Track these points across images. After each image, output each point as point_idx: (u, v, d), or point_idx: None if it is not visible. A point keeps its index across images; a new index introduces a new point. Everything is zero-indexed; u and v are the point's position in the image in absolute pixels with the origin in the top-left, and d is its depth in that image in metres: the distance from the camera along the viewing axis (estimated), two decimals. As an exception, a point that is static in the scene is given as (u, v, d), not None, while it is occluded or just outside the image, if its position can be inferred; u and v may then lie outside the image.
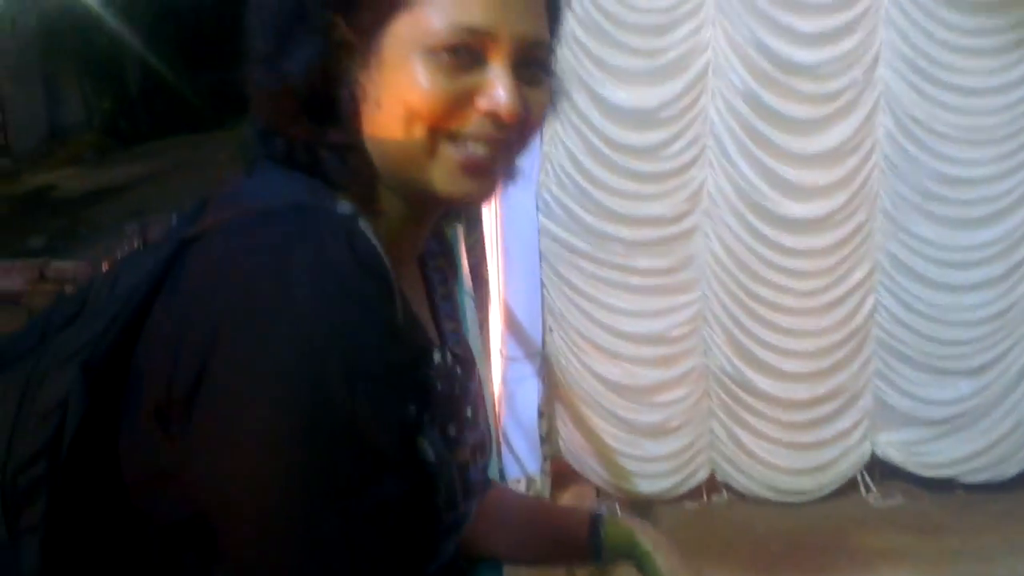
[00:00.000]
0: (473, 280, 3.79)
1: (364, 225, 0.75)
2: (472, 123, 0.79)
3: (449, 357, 0.89)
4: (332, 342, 0.67)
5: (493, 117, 0.79)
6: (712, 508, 4.90)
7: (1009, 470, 4.97)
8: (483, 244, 4.36)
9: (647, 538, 1.10)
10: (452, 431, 0.85)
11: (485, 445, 0.95)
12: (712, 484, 4.95)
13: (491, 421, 1.07)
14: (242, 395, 0.67)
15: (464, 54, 0.77)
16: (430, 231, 0.95)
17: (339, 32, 0.77)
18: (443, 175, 0.81)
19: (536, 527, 1.17)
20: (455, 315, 1.03)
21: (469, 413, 0.91)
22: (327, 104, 0.79)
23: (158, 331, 0.73)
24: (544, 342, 4.61)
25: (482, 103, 0.79)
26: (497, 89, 0.78)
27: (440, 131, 0.79)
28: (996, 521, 4.69)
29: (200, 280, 0.72)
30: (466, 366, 0.96)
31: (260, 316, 0.68)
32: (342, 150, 0.80)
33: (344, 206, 0.77)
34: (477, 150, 0.81)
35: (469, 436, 0.89)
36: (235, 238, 0.73)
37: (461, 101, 0.78)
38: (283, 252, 0.69)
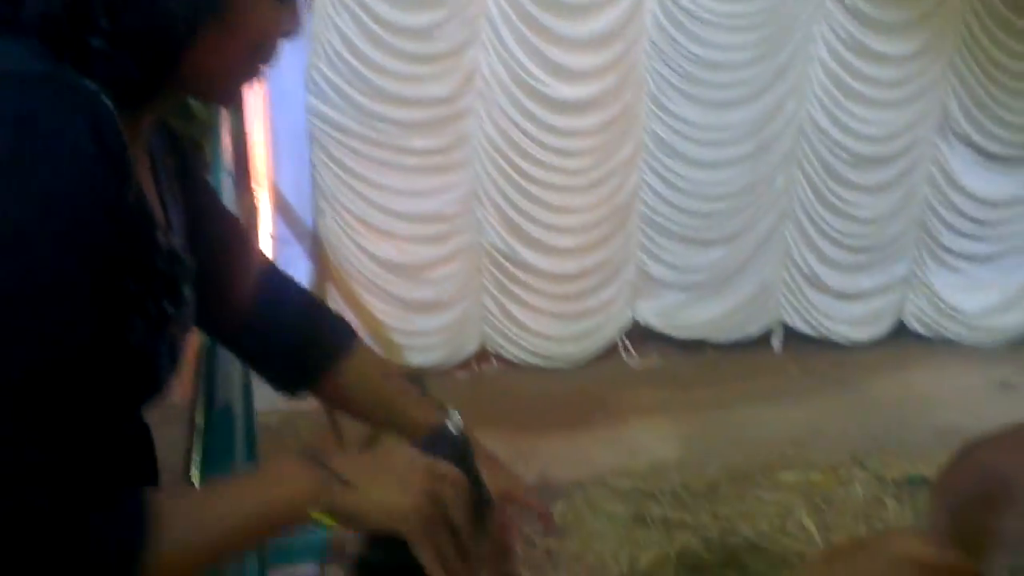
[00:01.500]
0: (237, 161, 3.84)
1: (108, 105, 0.81)
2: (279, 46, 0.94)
3: (174, 240, 0.97)
4: (55, 214, 0.74)
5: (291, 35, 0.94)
6: (482, 377, 5.33)
7: (752, 331, 5.64)
8: (247, 126, 4.38)
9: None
10: (169, 307, 0.93)
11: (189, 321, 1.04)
12: (483, 355, 5.36)
13: None
14: None
15: None
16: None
17: None
18: (243, 86, 0.95)
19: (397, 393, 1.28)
20: (183, 208, 1.11)
21: (187, 291, 0.98)
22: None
23: None
24: (315, 223, 4.75)
25: (289, 25, 0.93)
26: (302, 11, 0.94)
27: (269, 55, 0.92)
28: (736, 376, 5.38)
29: None
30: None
31: None
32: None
33: (91, 84, 0.81)
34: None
35: (183, 313, 0.98)
36: None
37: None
38: (26, 122, 0.74)
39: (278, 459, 0.91)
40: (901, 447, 4.03)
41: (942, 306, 5.84)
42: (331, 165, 4.70)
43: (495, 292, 5.18)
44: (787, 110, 5.19)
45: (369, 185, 4.76)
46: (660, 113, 5.12)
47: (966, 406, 4.66)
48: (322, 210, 4.75)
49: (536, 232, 5.12)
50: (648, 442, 4.32)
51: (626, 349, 5.57)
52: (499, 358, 5.37)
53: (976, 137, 5.53)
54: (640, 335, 5.63)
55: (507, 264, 5.11)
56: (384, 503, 0.88)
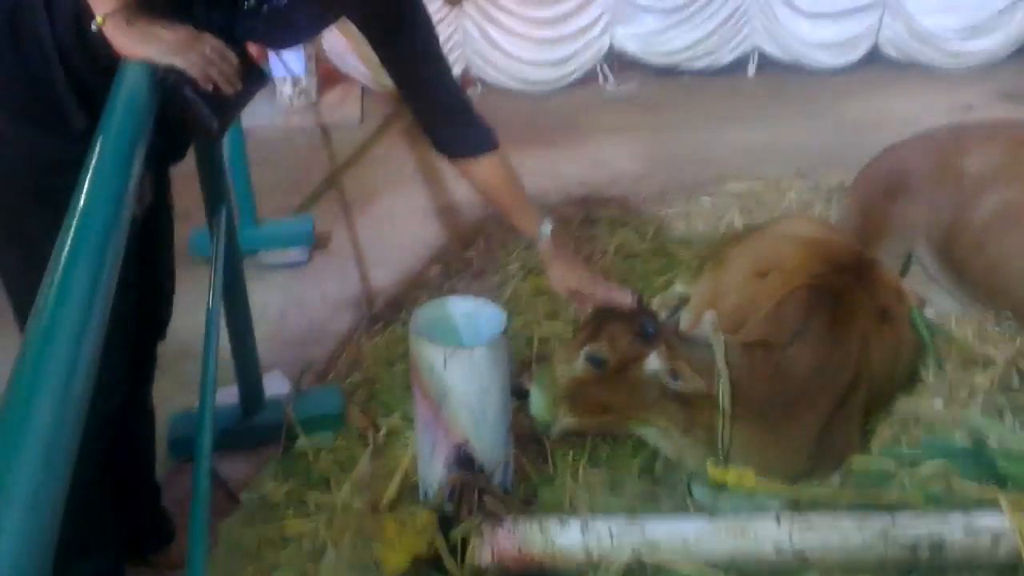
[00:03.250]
0: None
1: None
2: None
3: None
4: None
5: None
6: (465, 99, 5.53)
7: (724, 58, 5.77)
8: None
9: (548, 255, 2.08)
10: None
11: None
12: (466, 79, 5.54)
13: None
14: None
15: None
16: None
17: None
18: None
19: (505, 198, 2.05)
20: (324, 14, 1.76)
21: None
22: None
23: None
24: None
25: None
26: None
27: None
28: (708, 100, 5.57)
29: None
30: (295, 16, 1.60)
31: None
32: None
33: None
34: None
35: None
36: None
37: None
38: None
39: None
40: (848, 161, 4.27)
41: (918, 29, 5.90)
42: None
43: (476, 16, 5.29)
44: None
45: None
46: None
47: (924, 126, 4.84)
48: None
49: (513, -45, 5.16)
50: (611, 157, 4.61)
51: (604, 75, 5.74)
52: (482, 81, 5.57)
53: None
54: (619, 62, 5.77)
55: (485, -12, 5.20)
56: (134, 44, 1.33)
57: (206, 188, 2.22)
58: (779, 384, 2.15)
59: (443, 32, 5.17)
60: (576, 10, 5.44)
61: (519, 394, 2.09)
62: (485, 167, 2.01)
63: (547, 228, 2.07)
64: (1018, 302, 2.70)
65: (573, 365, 2.04)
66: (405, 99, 1.98)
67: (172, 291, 2.01)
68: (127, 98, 1.21)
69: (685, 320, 2.46)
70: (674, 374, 1.99)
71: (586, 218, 3.74)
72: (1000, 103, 5.47)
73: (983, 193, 2.86)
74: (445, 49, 5.13)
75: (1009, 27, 5.97)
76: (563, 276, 2.08)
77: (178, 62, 1.35)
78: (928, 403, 2.46)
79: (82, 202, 0.96)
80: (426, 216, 3.96)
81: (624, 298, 2.05)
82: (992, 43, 5.98)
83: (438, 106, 1.96)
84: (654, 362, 2.01)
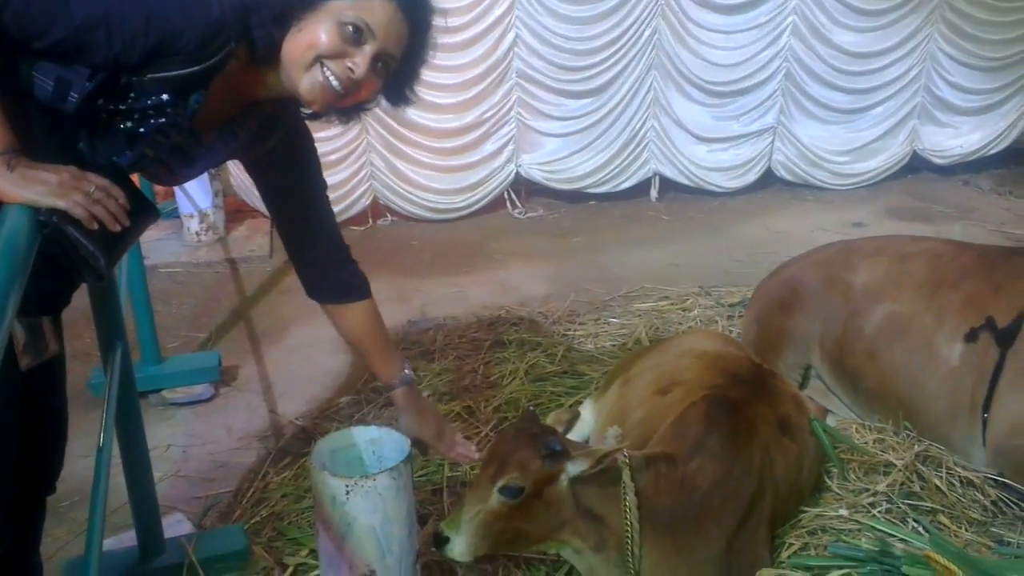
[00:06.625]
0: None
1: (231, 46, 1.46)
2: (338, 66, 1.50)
3: (178, 120, 1.51)
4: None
5: (350, 70, 1.49)
6: (376, 230, 5.63)
7: (627, 182, 6.01)
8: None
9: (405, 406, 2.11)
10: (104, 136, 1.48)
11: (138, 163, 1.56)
12: (376, 209, 5.64)
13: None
14: None
15: (355, 32, 1.48)
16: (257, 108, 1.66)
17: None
18: (307, 83, 1.51)
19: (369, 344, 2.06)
20: (223, 149, 1.69)
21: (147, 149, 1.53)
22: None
23: None
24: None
25: (349, 60, 1.49)
26: (358, 58, 1.49)
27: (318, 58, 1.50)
28: (613, 223, 5.78)
29: None
30: (189, 145, 1.61)
31: None
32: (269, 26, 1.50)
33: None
34: (331, 81, 1.50)
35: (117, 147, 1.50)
36: None
37: (339, 53, 1.49)
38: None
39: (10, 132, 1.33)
40: (747, 278, 4.45)
41: (807, 153, 6.26)
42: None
43: (382, 150, 5.42)
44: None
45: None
46: (531, -31, 5.31)
47: (817, 243, 5.07)
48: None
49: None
50: (521, 281, 4.70)
51: (511, 202, 5.91)
52: (391, 211, 5.67)
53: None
54: (526, 188, 5.96)
55: (390, 122, 5.34)
56: (15, 188, 1.31)
57: (100, 326, 2.19)
58: (684, 497, 2.17)
59: (351, 165, 5.31)
60: (480, 139, 5.62)
61: (438, 542, 2.04)
62: (354, 314, 2.02)
63: (407, 376, 2.09)
64: (910, 407, 2.82)
65: (488, 503, 1.99)
66: (285, 240, 1.98)
67: (63, 440, 1.94)
68: (4, 243, 1.21)
69: (581, 435, 2.49)
70: (596, 464, 1.99)
71: (496, 341, 3.78)
72: (888, 219, 5.79)
73: (871, 305, 3.01)
74: (354, 182, 5.30)
75: (891, 149, 6.38)
76: (411, 425, 2.12)
77: (60, 203, 1.33)
78: (833, 511, 2.52)
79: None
80: (335, 347, 3.95)
81: (465, 457, 2.19)
82: (877, 164, 6.38)
83: (318, 251, 1.97)
84: (573, 468, 2.00)
